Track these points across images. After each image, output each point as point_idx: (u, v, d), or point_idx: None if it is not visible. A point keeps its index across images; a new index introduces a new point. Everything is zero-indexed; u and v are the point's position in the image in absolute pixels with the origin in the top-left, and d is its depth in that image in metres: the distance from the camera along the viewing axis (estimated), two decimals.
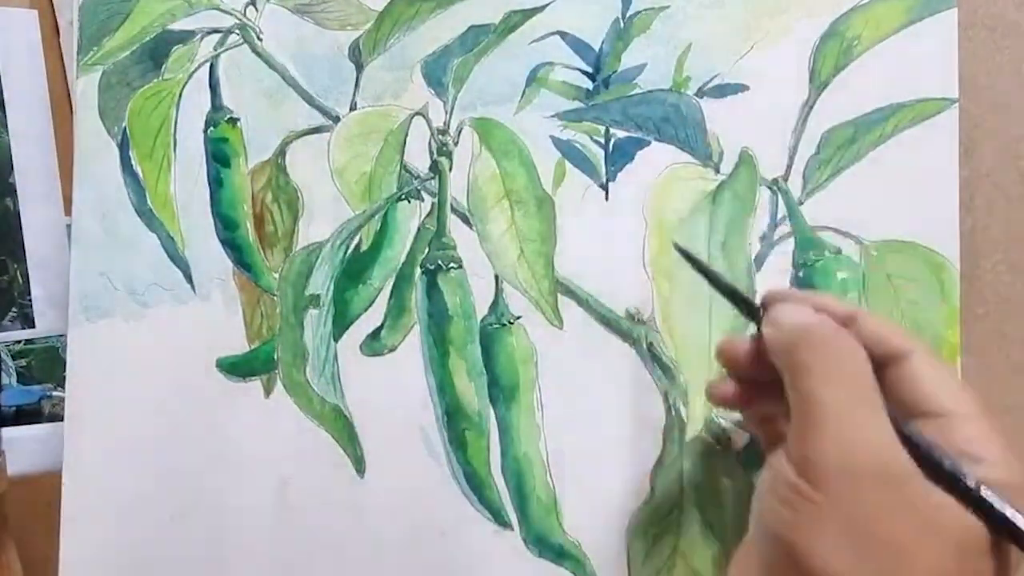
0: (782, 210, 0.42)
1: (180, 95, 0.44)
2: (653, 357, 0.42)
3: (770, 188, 0.42)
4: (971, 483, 0.26)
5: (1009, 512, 0.26)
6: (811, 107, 0.41)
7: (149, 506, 0.43)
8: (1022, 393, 0.44)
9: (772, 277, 0.41)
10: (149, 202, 0.44)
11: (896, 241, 0.41)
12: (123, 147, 0.44)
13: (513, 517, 0.42)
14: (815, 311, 0.31)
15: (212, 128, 0.44)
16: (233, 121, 0.44)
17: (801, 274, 0.41)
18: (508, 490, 0.42)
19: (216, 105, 0.44)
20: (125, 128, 0.44)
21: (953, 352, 0.41)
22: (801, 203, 0.41)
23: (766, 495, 0.29)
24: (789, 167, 0.41)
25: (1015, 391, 0.44)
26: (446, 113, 0.43)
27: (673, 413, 0.42)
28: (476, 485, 0.42)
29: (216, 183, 0.44)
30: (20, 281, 0.49)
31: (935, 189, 0.41)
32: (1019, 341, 0.44)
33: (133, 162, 0.44)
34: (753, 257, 0.42)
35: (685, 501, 0.41)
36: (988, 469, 0.27)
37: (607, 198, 0.42)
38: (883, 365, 0.30)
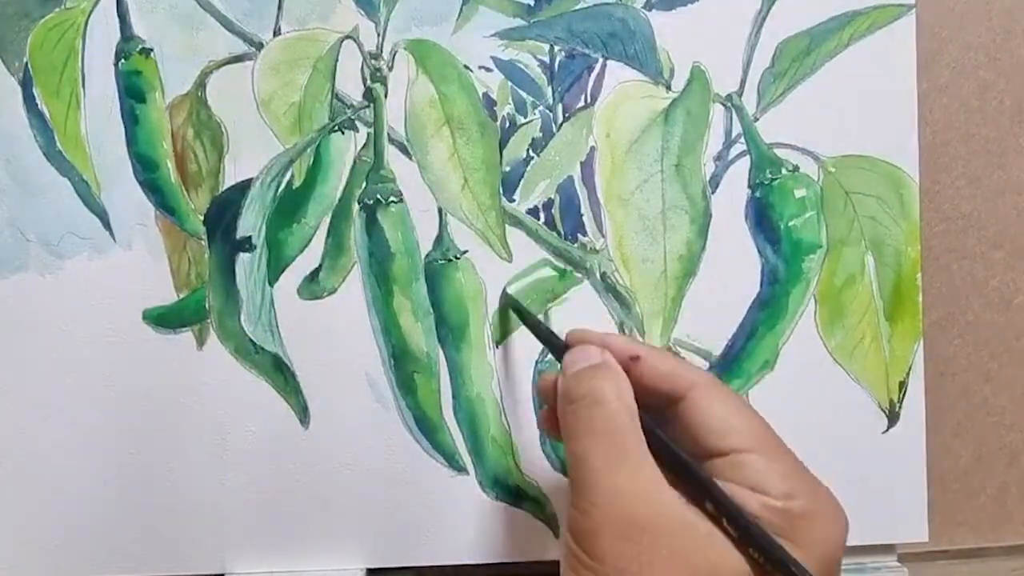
0: (736, 127, 0.40)
1: (86, 25, 0.41)
2: (607, 287, 0.40)
3: (724, 105, 0.40)
4: (747, 521, 0.27)
5: (781, 551, 0.26)
6: (764, 17, 0.40)
7: (78, 474, 0.40)
8: (983, 308, 0.43)
9: (727, 198, 0.40)
10: (59, 144, 0.41)
11: (854, 156, 0.40)
12: (26, 85, 0.41)
13: (468, 461, 0.40)
14: (601, 351, 0.31)
15: (123, 60, 0.41)
16: (146, 52, 0.41)
17: (758, 194, 0.40)
18: (461, 433, 0.40)
19: (126, 35, 0.41)
20: (27, 64, 0.41)
21: (914, 268, 0.40)
22: (756, 119, 0.40)
23: (562, 559, 0.29)
24: (743, 82, 0.40)
25: (976, 307, 0.43)
26: (378, 35, 0.40)
27: None
28: (428, 430, 0.40)
29: (131, 120, 0.41)
30: None
31: (893, 101, 0.40)
32: (980, 256, 0.43)
33: (38, 101, 0.41)
34: (708, 178, 0.40)
35: None
36: (769, 503, 0.27)
37: (553, 121, 0.40)
38: (672, 402, 0.30)
